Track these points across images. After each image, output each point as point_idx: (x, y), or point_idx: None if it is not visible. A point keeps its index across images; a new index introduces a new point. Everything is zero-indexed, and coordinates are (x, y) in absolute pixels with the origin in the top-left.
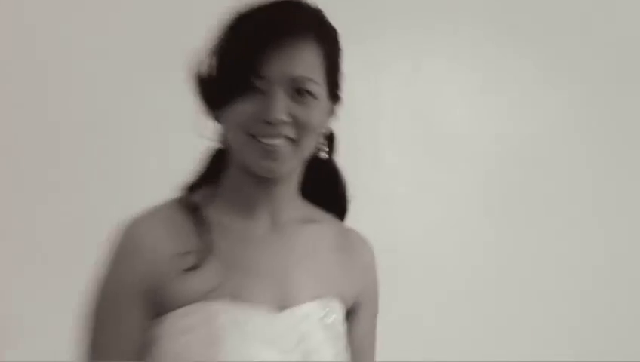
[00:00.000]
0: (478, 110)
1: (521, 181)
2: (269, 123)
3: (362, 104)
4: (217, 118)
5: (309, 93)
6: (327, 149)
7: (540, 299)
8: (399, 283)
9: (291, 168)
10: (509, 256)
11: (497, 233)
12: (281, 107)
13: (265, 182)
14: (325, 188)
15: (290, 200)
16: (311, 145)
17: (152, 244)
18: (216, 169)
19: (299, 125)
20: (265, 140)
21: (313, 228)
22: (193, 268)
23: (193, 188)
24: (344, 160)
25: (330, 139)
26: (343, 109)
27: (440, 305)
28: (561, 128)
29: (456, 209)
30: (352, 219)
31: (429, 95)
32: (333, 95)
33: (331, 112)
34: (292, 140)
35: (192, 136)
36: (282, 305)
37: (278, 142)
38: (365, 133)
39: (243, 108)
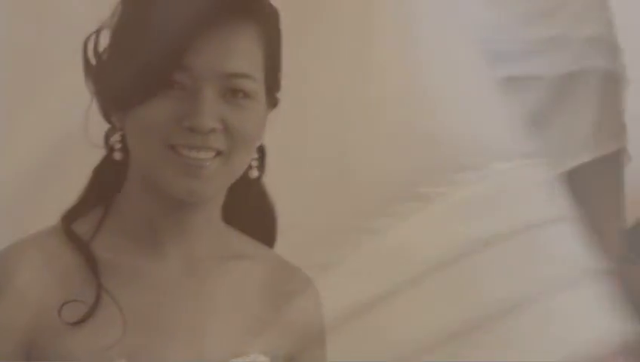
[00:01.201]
0: None
1: None
2: (193, 131)
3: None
4: (119, 122)
5: (246, 93)
6: (257, 166)
7: None
8: None
9: (218, 190)
10: None
11: None
12: (211, 111)
13: (179, 208)
14: (248, 215)
15: (209, 232)
16: (244, 160)
17: (32, 283)
18: (108, 189)
19: (232, 134)
20: (187, 153)
21: (240, 266)
22: (82, 320)
23: (75, 214)
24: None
25: (260, 153)
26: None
27: None
28: None
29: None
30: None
31: None
32: (272, 97)
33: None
34: (221, 154)
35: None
36: None
37: (205, 155)
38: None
39: (159, 111)
